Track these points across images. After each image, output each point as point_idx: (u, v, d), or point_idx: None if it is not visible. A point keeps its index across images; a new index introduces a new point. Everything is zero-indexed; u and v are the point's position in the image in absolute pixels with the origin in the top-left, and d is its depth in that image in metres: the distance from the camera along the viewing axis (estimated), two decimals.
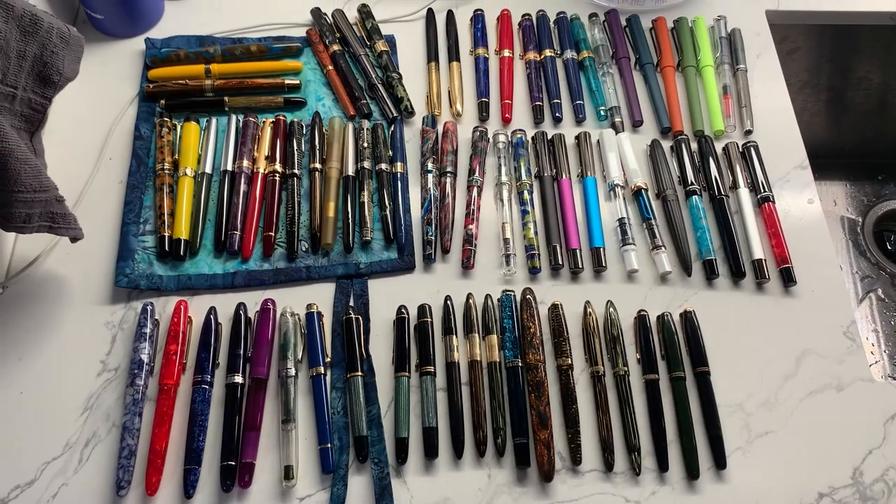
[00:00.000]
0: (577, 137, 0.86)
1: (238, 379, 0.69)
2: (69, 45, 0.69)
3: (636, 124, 0.88)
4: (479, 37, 0.93)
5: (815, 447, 0.69)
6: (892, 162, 1.22)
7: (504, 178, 0.82)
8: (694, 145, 0.86)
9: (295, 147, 0.82)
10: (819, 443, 0.70)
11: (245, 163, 0.80)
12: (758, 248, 0.79)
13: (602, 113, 0.88)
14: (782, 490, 0.67)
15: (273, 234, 0.77)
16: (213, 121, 0.84)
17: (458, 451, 0.67)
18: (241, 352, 0.70)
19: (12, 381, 0.69)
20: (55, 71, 0.68)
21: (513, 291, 0.75)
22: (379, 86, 0.87)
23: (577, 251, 0.77)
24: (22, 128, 0.67)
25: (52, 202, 0.66)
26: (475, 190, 0.81)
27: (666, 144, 0.86)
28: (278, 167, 0.80)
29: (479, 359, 0.71)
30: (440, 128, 0.86)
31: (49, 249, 0.76)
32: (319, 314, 0.73)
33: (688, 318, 0.74)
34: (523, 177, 0.82)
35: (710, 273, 0.77)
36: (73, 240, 0.70)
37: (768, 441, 0.69)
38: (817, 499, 0.67)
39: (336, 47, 0.90)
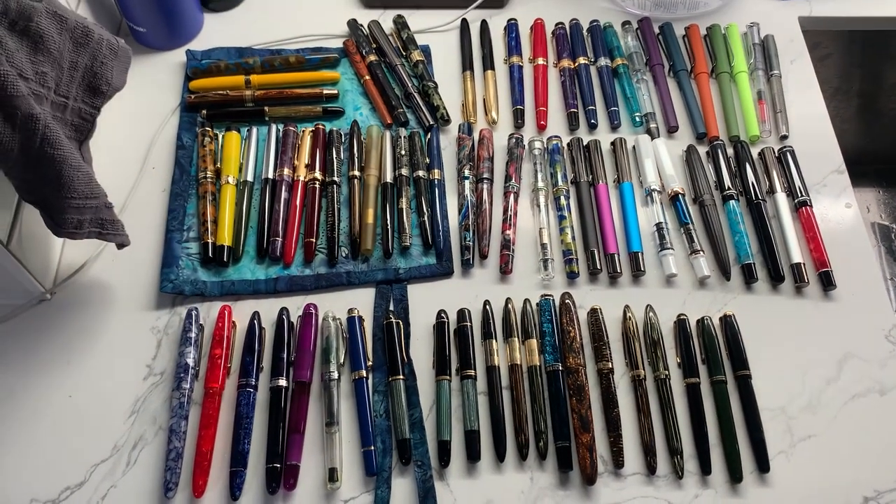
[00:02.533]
0: (613, 143, 0.86)
1: (282, 382, 0.70)
2: (118, 56, 0.70)
3: (671, 130, 0.88)
4: (514, 45, 0.94)
5: (859, 451, 0.69)
6: None
7: (540, 184, 0.82)
8: (730, 150, 0.86)
9: (334, 155, 0.83)
10: (864, 446, 0.69)
11: (285, 171, 0.81)
12: (796, 252, 0.79)
13: (637, 119, 0.89)
14: (827, 494, 0.67)
15: (314, 241, 0.78)
16: (254, 130, 0.85)
17: (500, 455, 0.67)
18: (285, 356, 0.71)
19: (61, 384, 0.70)
20: (104, 81, 0.70)
21: (552, 296, 0.75)
22: (415, 95, 0.89)
23: (616, 256, 0.78)
24: (72, 137, 0.69)
25: (102, 208, 0.67)
26: (512, 196, 0.81)
27: (702, 150, 0.86)
28: (318, 175, 0.82)
29: (519, 363, 0.71)
30: (476, 135, 0.86)
31: (95, 257, 0.77)
32: (360, 319, 0.74)
33: (728, 322, 0.74)
34: (559, 182, 0.82)
35: (748, 277, 0.77)
36: (120, 246, 0.72)
37: (812, 445, 0.69)
38: (863, 503, 0.66)
39: (373, 57, 0.91)
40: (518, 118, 0.88)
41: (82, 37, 0.66)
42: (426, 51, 0.94)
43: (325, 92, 0.89)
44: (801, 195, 0.82)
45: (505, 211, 0.81)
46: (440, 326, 0.73)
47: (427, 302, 0.76)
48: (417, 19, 0.97)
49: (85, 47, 0.67)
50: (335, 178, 0.82)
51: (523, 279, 0.78)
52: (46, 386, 0.70)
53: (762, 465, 0.67)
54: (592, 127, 0.88)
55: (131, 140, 0.86)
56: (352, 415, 0.69)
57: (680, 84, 0.92)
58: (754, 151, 0.86)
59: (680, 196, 0.82)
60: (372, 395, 0.70)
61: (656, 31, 0.96)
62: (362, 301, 0.76)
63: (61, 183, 0.62)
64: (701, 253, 0.78)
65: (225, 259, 0.76)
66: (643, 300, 0.76)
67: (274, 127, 0.85)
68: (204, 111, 0.86)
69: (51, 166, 0.61)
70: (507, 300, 0.75)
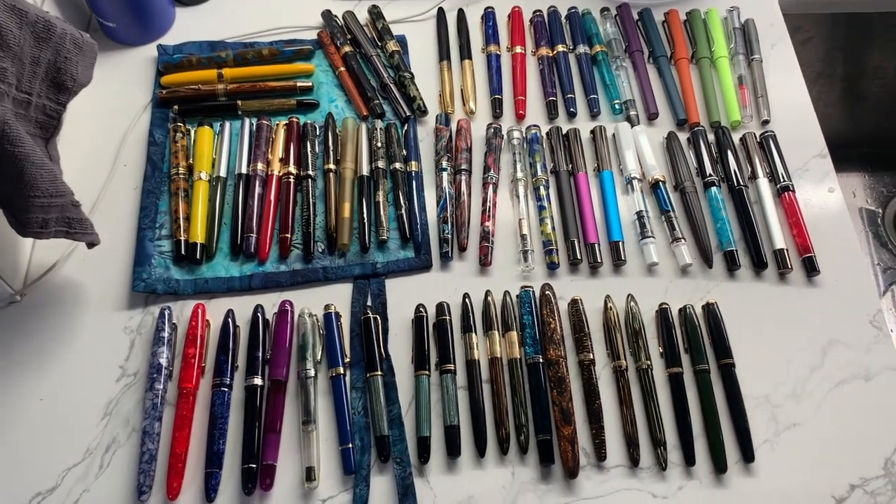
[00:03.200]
0: (593, 132, 0.85)
1: (257, 381, 0.68)
2: (82, 50, 0.69)
3: (652, 117, 0.87)
4: (491, 34, 0.93)
5: (845, 438, 0.68)
6: None
7: (519, 175, 0.81)
8: (711, 136, 0.85)
9: (309, 149, 0.82)
10: (849, 433, 0.68)
11: (259, 165, 0.80)
12: (779, 237, 0.78)
13: (617, 107, 0.87)
14: (813, 482, 0.66)
15: (289, 236, 0.76)
16: (227, 125, 0.83)
17: (480, 450, 0.66)
18: (260, 354, 0.70)
19: (32, 388, 0.69)
20: (69, 77, 0.68)
21: (531, 287, 0.74)
22: (391, 86, 0.87)
23: (596, 245, 0.77)
24: (37, 134, 0.67)
25: (69, 207, 0.66)
26: (491, 187, 0.80)
27: (682, 136, 0.85)
28: (293, 169, 0.80)
29: (499, 356, 0.70)
30: (454, 126, 0.85)
31: (66, 256, 0.76)
32: (337, 315, 0.72)
33: (710, 311, 0.73)
34: (539, 172, 0.81)
35: (731, 264, 0.76)
36: (90, 245, 0.70)
37: (797, 433, 0.68)
38: (849, 490, 0.66)
39: (347, 49, 0.89)
40: (496, 108, 0.87)
41: (44, 31, 0.65)
42: (402, 41, 0.92)
43: (299, 84, 0.87)
44: (784, 180, 0.81)
45: (484, 202, 0.79)
46: (419, 321, 0.72)
47: (405, 296, 0.75)
48: (393, 9, 0.95)
49: (47, 42, 0.65)
50: (310, 172, 0.80)
51: (503, 271, 0.77)
52: (17, 389, 0.69)
53: (747, 454, 0.67)
54: (572, 115, 0.87)
55: (102, 137, 0.84)
56: (329, 412, 0.68)
57: (660, 70, 0.91)
58: (735, 137, 0.85)
59: (661, 184, 0.81)
60: (349, 392, 0.69)
61: (635, 17, 0.95)
62: (339, 297, 0.75)
63: (24, 181, 0.61)
64: (682, 241, 0.77)
65: (198, 256, 0.75)
66: (624, 290, 0.75)
67: (247, 121, 0.84)
68: (176, 106, 0.84)
69: (12, 164, 0.59)
70: (487, 293, 0.74)
